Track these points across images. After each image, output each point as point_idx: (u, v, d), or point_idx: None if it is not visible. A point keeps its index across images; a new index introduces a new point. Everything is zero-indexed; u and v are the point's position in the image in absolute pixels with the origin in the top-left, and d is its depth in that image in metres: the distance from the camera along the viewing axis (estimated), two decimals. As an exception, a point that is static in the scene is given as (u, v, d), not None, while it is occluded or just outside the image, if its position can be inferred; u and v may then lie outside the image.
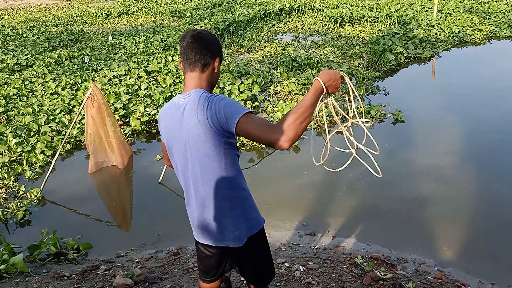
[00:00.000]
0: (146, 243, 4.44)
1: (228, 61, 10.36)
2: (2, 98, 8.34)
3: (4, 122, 7.37)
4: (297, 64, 9.42)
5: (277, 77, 9.06)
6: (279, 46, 11.47)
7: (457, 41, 11.50)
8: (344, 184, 5.30)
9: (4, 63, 11.25)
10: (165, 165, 5.45)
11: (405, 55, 10.21)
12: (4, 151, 6.30)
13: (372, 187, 5.23)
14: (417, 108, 7.50)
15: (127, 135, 6.78)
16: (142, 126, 7.11)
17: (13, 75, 10.36)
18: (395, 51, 10.15)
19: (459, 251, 4.08)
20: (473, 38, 11.60)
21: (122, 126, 6.92)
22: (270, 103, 7.71)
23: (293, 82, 8.44)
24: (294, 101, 7.64)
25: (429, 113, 7.35)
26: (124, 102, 7.68)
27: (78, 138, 6.80)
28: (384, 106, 7.28)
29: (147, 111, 7.37)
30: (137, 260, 4.02)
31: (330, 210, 4.88)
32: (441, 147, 6.12)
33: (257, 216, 2.13)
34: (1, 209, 5.01)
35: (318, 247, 4.17)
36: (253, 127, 1.81)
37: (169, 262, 3.85)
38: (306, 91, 8.14)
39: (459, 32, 11.82)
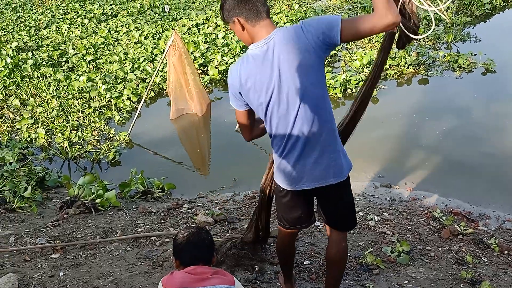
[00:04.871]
0: (224, 186, 4.66)
1: (305, 7, 10.06)
2: (91, 47, 8.87)
3: (94, 70, 7.88)
4: (379, 10, 8.90)
5: (356, 24, 8.65)
6: (359, -9, 10.88)
7: None
8: (425, 137, 5.10)
9: (91, 13, 11.86)
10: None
11: (502, -2, 9.23)
12: (95, 96, 6.78)
13: (456, 141, 4.98)
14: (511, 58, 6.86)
15: (206, 83, 6.97)
16: (220, 75, 7.25)
17: (100, 25, 10.92)
18: (490, -6, 9.21)
19: (549, 211, 3.83)
20: None
21: (200, 75, 7.11)
22: (348, 52, 7.45)
23: (374, 29, 8.03)
24: (374, 49, 7.31)
25: (526, 63, 6.70)
26: (203, 51, 7.84)
27: (160, 86, 7.12)
28: (475, 55, 6.74)
29: (224, 60, 7.47)
30: (216, 201, 4.25)
31: (408, 162, 4.75)
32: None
33: (347, 155, 2.15)
34: (95, 150, 5.48)
35: (394, 199, 4.12)
36: (358, 24, 1.79)
37: (246, 205, 4.03)
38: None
39: None
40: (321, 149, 2.04)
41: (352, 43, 7.92)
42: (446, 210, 3.81)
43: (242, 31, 1.97)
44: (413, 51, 6.97)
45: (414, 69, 6.72)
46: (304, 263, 3.06)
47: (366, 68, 6.72)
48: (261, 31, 1.94)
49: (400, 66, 6.73)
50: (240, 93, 2.03)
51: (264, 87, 1.95)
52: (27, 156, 5.41)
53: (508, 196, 4.07)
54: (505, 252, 3.21)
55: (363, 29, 1.78)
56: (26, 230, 3.63)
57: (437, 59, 6.91)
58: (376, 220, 3.62)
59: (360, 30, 1.78)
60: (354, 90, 6.30)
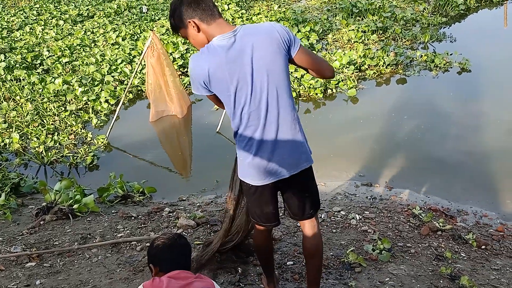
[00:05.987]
0: (206, 189, 4.62)
1: (285, 8, 10.09)
2: (67, 49, 8.70)
3: (70, 72, 7.73)
4: (357, 10, 9.00)
5: (335, 25, 8.73)
6: (337, -8, 10.97)
7: (537, -19, 10.42)
8: (404, 136, 5.16)
9: (67, 14, 11.64)
10: (223, 116, 5.54)
11: (475, -2, 9.43)
12: (72, 99, 6.65)
13: (433, 139, 5.05)
14: (486, 57, 7.00)
15: (186, 85, 6.90)
16: (199, 76, 7.18)
17: (76, 26, 10.72)
18: (464, -6, 9.40)
19: (524, 206, 3.92)
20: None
21: (180, 76, 7.04)
22: (328, 52, 7.49)
23: (353, 30, 8.11)
24: (353, 49, 7.37)
25: (499, 62, 6.83)
26: (182, 52, 7.77)
27: (139, 88, 7.02)
28: (450, 55, 6.86)
29: (203, 61, 7.41)
30: (198, 204, 4.21)
31: (388, 161, 4.80)
32: (510, 98, 5.74)
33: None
34: (72, 154, 5.37)
35: (374, 197, 4.16)
36: (314, 55, 2.13)
37: (228, 207, 3.99)
38: (366, 39, 7.81)
39: (539, -30, 10.67)
40: (293, 137, 2.09)
41: (332, 43, 7.97)
42: (425, 207, 3.86)
43: (197, 33, 2.01)
44: (391, 51, 7.05)
45: (392, 69, 6.80)
46: (287, 263, 3.05)
47: (345, 68, 6.77)
48: (219, 27, 1.98)
49: (379, 66, 6.80)
50: (204, 82, 2.02)
51: (237, 77, 1.97)
52: (1, 162, 5.27)
53: (485, 192, 4.15)
54: (483, 247, 3.27)
55: (316, 61, 2.10)
56: (0, 239, 3.52)
57: (414, 59, 7.02)
58: (358, 218, 3.64)
59: (313, 60, 2.09)
60: (334, 91, 6.34)
